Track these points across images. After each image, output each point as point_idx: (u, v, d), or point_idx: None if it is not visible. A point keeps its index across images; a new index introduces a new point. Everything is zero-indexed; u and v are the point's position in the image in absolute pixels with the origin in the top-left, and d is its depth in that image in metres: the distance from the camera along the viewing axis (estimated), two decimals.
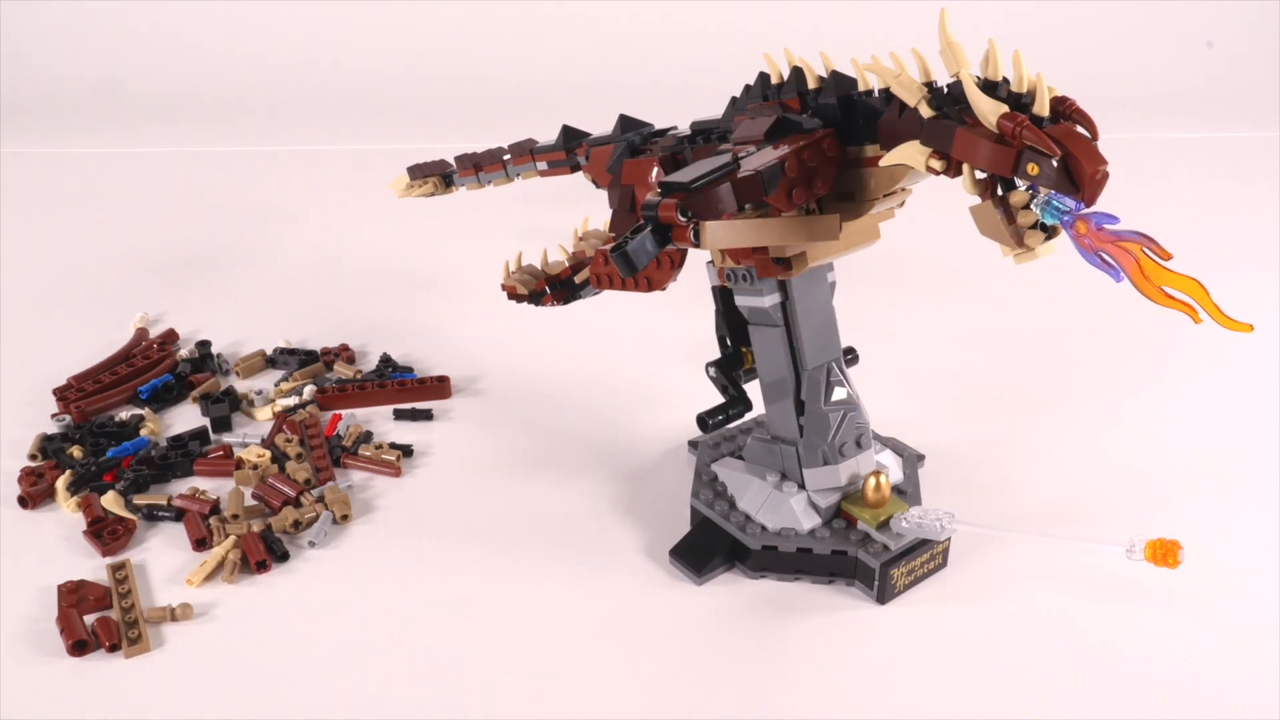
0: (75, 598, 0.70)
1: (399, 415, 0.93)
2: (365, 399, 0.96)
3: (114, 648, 0.67)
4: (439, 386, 0.97)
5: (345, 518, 0.80)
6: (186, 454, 0.86)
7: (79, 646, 0.66)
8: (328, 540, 0.77)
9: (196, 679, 0.65)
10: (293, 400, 0.95)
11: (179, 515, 0.79)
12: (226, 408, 0.92)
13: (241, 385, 1.00)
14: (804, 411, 0.71)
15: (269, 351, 1.04)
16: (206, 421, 0.92)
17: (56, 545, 0.77)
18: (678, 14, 2.05)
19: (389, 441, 0.89)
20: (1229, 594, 0.71)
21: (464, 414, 0.95)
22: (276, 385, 0.99)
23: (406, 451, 0.88)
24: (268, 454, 0.85)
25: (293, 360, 1.02)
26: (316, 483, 0.83)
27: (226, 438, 0.90)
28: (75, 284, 1.24)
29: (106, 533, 0.76)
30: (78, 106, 1.93)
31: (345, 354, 1.04)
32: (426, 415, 0.93)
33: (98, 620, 0.68)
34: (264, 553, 0.74)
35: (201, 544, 0.76)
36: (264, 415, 0.93)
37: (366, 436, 0.90)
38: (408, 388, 0.96)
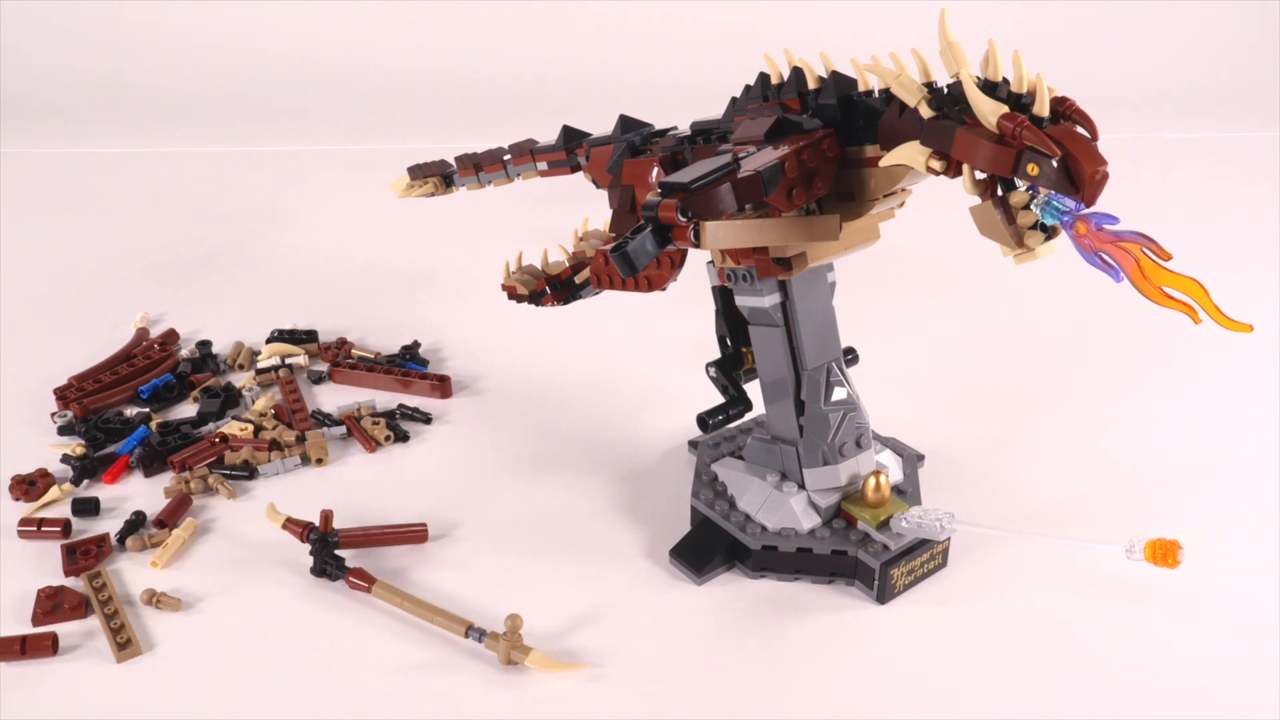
0: (51, 604, 0.69)
1: (402, 415, 0.93)
2: (368, 380, 0.98)
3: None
4: (440, 386, 0.97)
5: (320, 461, 0.85)
6: (184, 438, 0.87)
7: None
8: (287, 475, 0.84)
9: (191, 678, 0.65)
10: (273, 361, 0.98)
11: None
12: (218, 403, 0.93)
13: (239, 380, 1.00)
14: (804, 411, 0.71)
15: (268, 334, 1.07)
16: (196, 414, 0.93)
17: (49, 545, 0.77)
18: (678, 14, 2.05)
19: (388, 423, 0.91)
20: (1229, 594, 0.71)
21: (464, 414, 0.95)
22: (267, 342, 1.04)
23: (402, 437, 0.89)
24: (250, 426, 0.88)
25: (290, 339, 1.05)
26: (296, 435, 0.88)
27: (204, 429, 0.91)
28: (75, 284, 1.24)
29: (80, 552, 0.74)
30: (78, 106, 1.93)
31: (345, 348, 1.04)
32: (425, 418, 0.93)
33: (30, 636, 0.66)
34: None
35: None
36: (260, 407, 0.93)
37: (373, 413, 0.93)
38: (411, 379, 0.97)
